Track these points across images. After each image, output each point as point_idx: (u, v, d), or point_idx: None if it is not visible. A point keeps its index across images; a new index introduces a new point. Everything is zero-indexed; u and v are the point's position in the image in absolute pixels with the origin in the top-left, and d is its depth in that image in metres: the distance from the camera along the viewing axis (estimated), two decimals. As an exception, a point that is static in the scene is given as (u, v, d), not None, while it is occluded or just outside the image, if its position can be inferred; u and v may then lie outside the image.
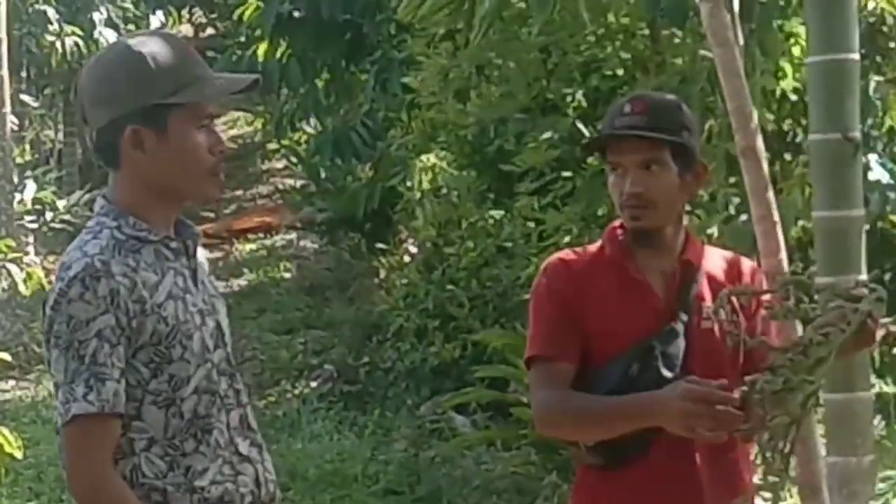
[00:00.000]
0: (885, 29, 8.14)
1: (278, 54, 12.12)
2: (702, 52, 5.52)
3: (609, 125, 3.52)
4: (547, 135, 8.52)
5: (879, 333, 3.25)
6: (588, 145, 3.60)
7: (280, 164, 17.86)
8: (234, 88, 3.09)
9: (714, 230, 7.32)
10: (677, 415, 3.22)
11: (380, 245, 11.79)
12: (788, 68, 7.86)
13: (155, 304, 2.94)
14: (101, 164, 3.12)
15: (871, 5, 7.52)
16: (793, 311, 3.19)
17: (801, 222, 7.15)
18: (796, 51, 7.90)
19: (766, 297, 3.54)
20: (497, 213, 8.96)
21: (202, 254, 3.16)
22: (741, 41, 4.96)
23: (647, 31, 8.33)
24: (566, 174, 8.43)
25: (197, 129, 3.01)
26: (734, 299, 3.46)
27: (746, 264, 3.65)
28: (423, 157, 9.78)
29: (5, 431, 5.02)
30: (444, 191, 9.56)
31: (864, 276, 5.14)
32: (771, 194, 4.45)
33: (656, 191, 3.45)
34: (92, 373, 2.87)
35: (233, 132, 22.60)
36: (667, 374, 3.37)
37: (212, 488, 2.99)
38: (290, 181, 16.63)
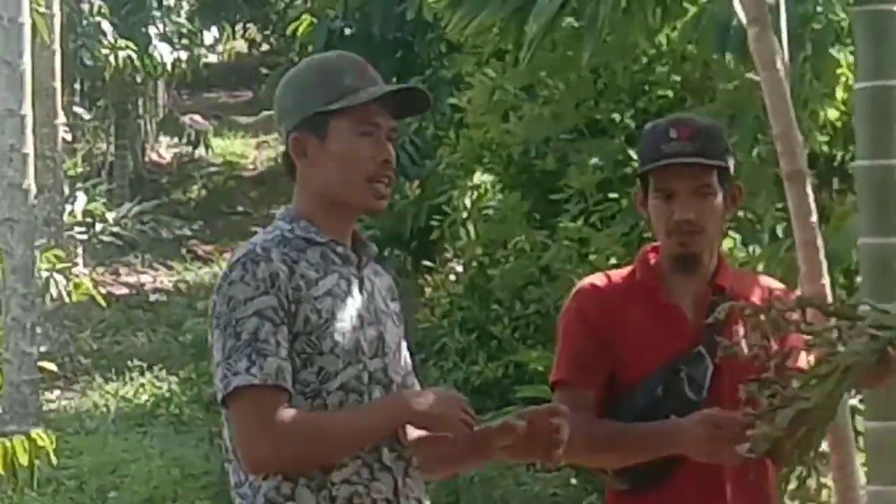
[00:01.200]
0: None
1: (329, 71, 12.13)
2: (749, 75, 5.48)
3: (654, 151, 3.48)
4: (594, 160, 8.50)
5: None
6: (642, 174, 3.57)
7: (329, 181, 17.93)
8: (384, 90, 3.09)
9: (758, 256, 7.28)
10: (696, 442, 3.22)
11: (425, 263, 11.80)
12: (840, 94, 7.83)
13: (311, 296, 3.00)
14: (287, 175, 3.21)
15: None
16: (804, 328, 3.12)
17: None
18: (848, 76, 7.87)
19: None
20: (541, 235, 8.94)
21: (385, 280, 3.20)
22: (788, 66, 4.94)
23: (696, 53, 8.30)
24: (612, 196, 8.41)
25: (359, 136, 3.07)
26: (763, 325, 3.45)
27: (779, 288, 3.62)
28: (471, 177, 9.78)
29: (41, 433, 5.04)
30: (490, 211, 9.54)
31: (907, 305, 5.12)
32: (815, 219, 4.43)
33: (706, 216, 3.44)
34: (253, 349, 2.92)
35: (283, 148, 22.72)
36: (692, 397, 3.35)
37: (342, 487, 3.00)
38: (338, 198, 16.66)
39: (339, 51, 3.25)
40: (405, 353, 3.19)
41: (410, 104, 3.19)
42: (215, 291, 3.01)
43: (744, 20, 4.92)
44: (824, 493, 7.26)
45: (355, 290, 3.09)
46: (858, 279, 7.28)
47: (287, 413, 2.93)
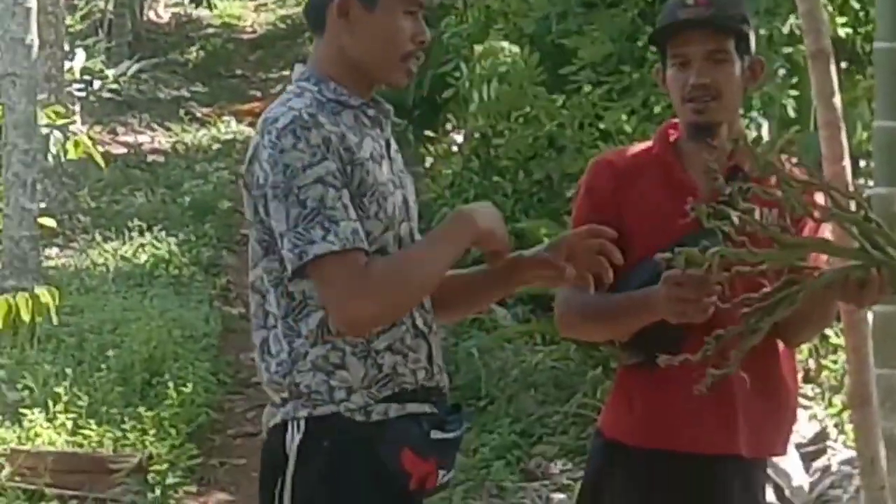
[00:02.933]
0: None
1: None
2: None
3: (671, 17, 3.47)
4: (606, 28, 8.43)
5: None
6: (654, 36, 3.54)
7: (329, 46, 17.80)
8: None
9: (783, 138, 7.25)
10: (665, 302, 3.20)
11: (427, 133, 11.75)
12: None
13: (361, 158, 3.01)
14: (308, 26, 3.19)
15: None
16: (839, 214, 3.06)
17: (864, 135, 7.07)
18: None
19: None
20: (555, 98, 8.87)
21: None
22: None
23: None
24: (624, 69, 8.36)
25: (404, 14, 3.06)
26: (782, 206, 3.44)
27: (796, 172, 3.60)
28: (480, 44, 9.67)
29: (45, 290, 5.04)
30: (505, 69, 9.38)
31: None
32: (838, 99, 4.39)
33: (722, 82, 3.43)
34: (324, 216, 2.93)
35: (282, 11, 22.54)
36: None
37: (386, 355, 3.04)
38: (338, 63, 16.56)
39: None
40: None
41: None
42: (264, 160, 2.98)
43: None
44: (824, 373, 7.32)
45: (385, 153, 3.11)
46: (862, 163, 7.31)
47: (374, 268, 2.96)
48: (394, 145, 3.17)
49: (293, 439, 3.04)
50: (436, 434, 3.07)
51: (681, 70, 3.45)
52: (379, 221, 3.02)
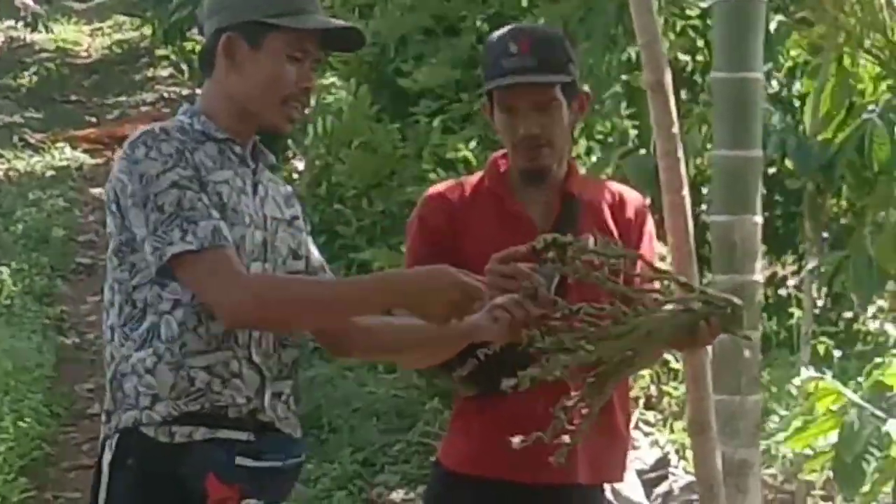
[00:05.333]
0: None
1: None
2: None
3: (495, 66, 3.45)
4: (446, 55, 8.46)
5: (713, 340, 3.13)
6: (481, 88, 3.56)
7: (166, 73, 17.59)
8: (330, 25, 3.11)
9: (611, 165, 7.34)
10: (487, 282, 3.10)
11: (268, 160, 11.65)
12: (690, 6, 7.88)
13: (212, 179, 3.02)
14: (200, 71, 3.23)
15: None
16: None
17: (697, 160, 7.19)
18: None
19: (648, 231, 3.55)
20: (392, 128, 8.87)
21: (285, 190, 3.23)
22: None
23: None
24: (464, 97, 8.38)
25: (289, 58, 3.07)
26: (615, 232, 3.47)
27: (630, 195, 3.63)
28: (323, 74, 9.64)
29: None
30: (336, 104, 9.40)
31: (759, 218, 5.20)
32: (676, 129, 4.46)
33: (551, 129, 3.45)
34: (182, 218, 2.94)
35: (118, 36, 22.25)
36: None
37: (201, 373, 3.01)
38: (175, 90, 16.40)
39: None
40: (314, 256, 3.22)
41: (340, 39, 3.17)
42: (118, 172, 3.01)
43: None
44: (665, 400, 7.40)
45: (249, 190, 3.10)
46: (704, 190, 7.43)
47: (252, 272, 3.02)
48: (271, 191, 3.17)
49: (106, 459, 3.07)
50: (242, 461, 3.04)
51: (509, 117, 3.46)
52: None
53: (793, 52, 7.54)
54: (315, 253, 3.26)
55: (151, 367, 3.00)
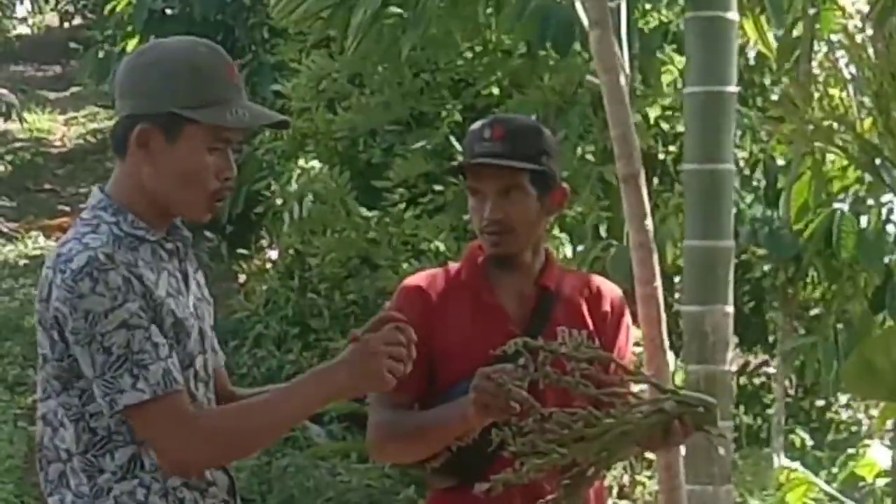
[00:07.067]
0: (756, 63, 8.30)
1: (148, 51, 11.91)
2: (588, 77, 5.52)
3: (469, 150, 3.50)
4: (419, 144, 8.50)
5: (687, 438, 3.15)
6: (451, 171, 3.58)
7: (141, 162, 17.64)
8: (257, 123, 3.00)
9: (591, 256, 7.37)
10: (473, 395, 3.15)
11: (241, 250, 11.67)
12: (667, 94, 7.97)
13: (160, 297, 2.89)
14: (112, 149, 3.03)
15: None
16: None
17: (675, 250, 7.21)
18: (666, 78, 8.02)
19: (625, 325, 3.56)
20: (366, 214, 8.89)
21: (194, 264, 3.12)
22: (627, 69, 4.99)
23: (525, 51, 8.35)
24: (437, 188, 8.42)
25: (209, 150, 2.93)
26: (591, 325, 3.48)
27: (607, 288, 3.62)
28: (294, 162, 9.69)
29: None
30: (317, 189, 9.37)
31: (730, 308, 5.23)
32: (649, 222, 4.48)
33: (515, 217, 3.45)
34: (131, 362, 2.82)
35: (93, 126, 22.30)
36: None
37: (183, 490, 2.95)
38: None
39: (206, 41, 3.04)
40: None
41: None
42: (59, 303, 2.86)
43: (585, 23, 4.95)
44: (638, 489, 7.38)
45: (182, 286, 3.01)
46: (677, 279, 7.45)
47: (205, 415, 2.92)
48: (193, 273, 3.08)
49: None
50: None
51: (477, 202, 3.48)
52: (180, 361, 2.91)
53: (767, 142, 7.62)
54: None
55: (143, 500, 2.91)
